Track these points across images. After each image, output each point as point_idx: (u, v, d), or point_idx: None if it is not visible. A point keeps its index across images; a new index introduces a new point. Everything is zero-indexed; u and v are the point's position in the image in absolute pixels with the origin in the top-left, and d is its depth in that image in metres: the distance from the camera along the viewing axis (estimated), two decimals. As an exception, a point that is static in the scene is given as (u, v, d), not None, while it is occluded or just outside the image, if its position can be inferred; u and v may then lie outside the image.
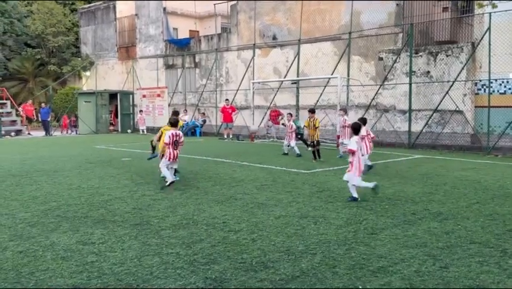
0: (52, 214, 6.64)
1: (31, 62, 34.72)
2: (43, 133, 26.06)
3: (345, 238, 5.50)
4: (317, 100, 20.20)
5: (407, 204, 7.35)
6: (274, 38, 23.47)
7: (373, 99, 18.86)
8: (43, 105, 26.75)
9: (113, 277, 4.30)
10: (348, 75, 19.35)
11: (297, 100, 21.18)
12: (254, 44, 23.50)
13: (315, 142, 13.38)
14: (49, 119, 26.28)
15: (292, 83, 21.21)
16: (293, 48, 22.11)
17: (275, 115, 20.67)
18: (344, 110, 14.57)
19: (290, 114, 15.68)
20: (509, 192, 8.32)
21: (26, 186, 8.93)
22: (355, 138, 7.80)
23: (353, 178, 7.59)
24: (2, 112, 25.58)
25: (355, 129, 7.99)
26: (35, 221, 6.23)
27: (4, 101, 26.99)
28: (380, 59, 19.23)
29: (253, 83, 21.16)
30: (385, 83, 18.72)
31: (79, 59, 34.51)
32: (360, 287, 4.08)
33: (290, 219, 6.40)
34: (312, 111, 13.75)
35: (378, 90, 18.76)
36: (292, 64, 21.65)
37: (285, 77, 21.81)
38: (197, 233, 5.73)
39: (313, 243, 5.31)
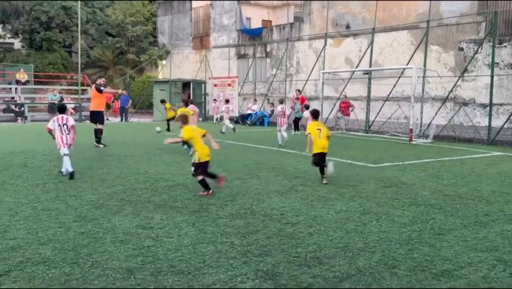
0: (116, 197, 6.86)
1: (111, 50, 36.42)
2: (119, 119, 27.26)
3: (408, 238, 5.19)
4: (390, 92, 19.44)
5: (480, 204, 6.83)
6: (347, 27, 22.88)
7: (451, 91, 17.82)
8: (123, 92, 27.95)
9: (167, 263, 4.32)
10: (425, 66, 18.40)
11: (369, 92, 20.51)
12: (326, 34, 23.03)
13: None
14: (127, 106, 27.42)
15: (364, 73, 20.56)
16: (366, 37, 21.42)
17: (345, 107, 20.18)
18: (281, 100, 16.54)
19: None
20: None
21: (96, 169, 9.32)
22: None
23: None
24: (83, 98, 27.03)
25: None
26: (100, 204, 6.46)
27: (86, 87, 28.54)
28: (461, 49, 18.17)
29: (323, 73, 20.74)
30: (465, 75, 17.65)
31: (156, 48, 35.72)
32: (420, 291, 3.81)
33: (350, 214, 6.16)
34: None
35: (457, 81, 17.70)
36: (365, 53, 20.97)
37: (357, 67, 21.19)
38: (254, 223, 5.66)
39: (373, 241, 5.06)
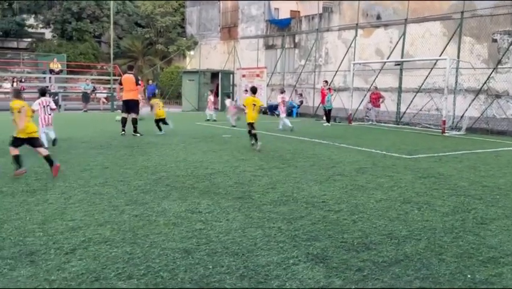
0: (162, 183, 7.10)
1: (141, 41, 36.84)
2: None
3: (452, 226, 5.27)
4: (422, 83, 19.26)
5: (521, 196, 6.85)
6: (378, 17, 22.68)
7: (485, 83, 17.58)
8: (150, 82, 28.36)
9: (220, 244, 4.52)
10: (458, 57, 18.17)
11: (400, 83, 20.36)
12: (357, 24, 22.87)
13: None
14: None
15: (395, 64, 20.40)
16: (398, 28, 21.22)
17: (376, 98, 20.11)
18: (282, 90, 18.46)
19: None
20: None
21: (138, 156, 9.61)
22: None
23: None
24: (115, 88, 27.50)
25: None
26: (147, 189, 6.70)
27: (117, 77, 29.00)
28: (494, 41, 17.85)
29: (353, 64, 20.66)
30: (499, 66, 17.36)
31: (184, 39, 36.01)
32: (469, 276, 3.91)
33: (391, 203, 6.26)
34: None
35: (491, 73, 17.45)
36: (397, 44, 20.79)
37: (388, 58, 21.03)
38: (297, 210, 5.81)
39: (417, 229, 5.16)
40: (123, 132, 13.38)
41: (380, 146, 12.35)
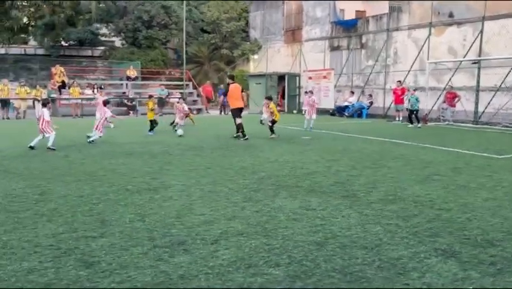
0: (266, 182, 7.47)
1: (206, 46, 37.86)
2: (218, 112, 28.53)
3: None
4: (502, 82, 18.68)
5: None
6: (450, 15, 22.18)
7: None
8: (222, 86, 29.18)
9: (346, 239, 4.79)
10: (540, 54, 17.52)
11: (478, 81, 19.82)
12: (430, 23, 22.47)
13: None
14: (225, 99, 28.57)
15: (472, 63, 19.90)
16: (472, 26, 20.67)
17: (451, 97, 19.70)
18: (311, 92, 18.84)
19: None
20: None
21: (231, 158, 10.07)
22: None
23: None
24: (187, 93, 28.57)
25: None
26: (256, 188, 7.09)
27: (188, 82, 30.10)
28: None
29: (429, 63, 20.35)
30: None
31: (248, 43, 36.66)
32: None
33: (500, 202, 6.29)
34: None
35: None
36: (473, 42, 20.24)
37: (464, 56, 20.52)
38: (408, 208, 5.97)
39: (536, 227, 5.21)
40: (246, 138, 13.51)
41: (465, 145, 12.19)
